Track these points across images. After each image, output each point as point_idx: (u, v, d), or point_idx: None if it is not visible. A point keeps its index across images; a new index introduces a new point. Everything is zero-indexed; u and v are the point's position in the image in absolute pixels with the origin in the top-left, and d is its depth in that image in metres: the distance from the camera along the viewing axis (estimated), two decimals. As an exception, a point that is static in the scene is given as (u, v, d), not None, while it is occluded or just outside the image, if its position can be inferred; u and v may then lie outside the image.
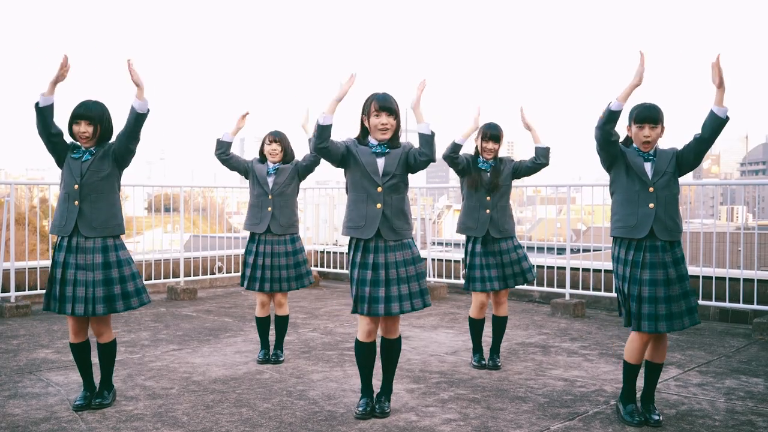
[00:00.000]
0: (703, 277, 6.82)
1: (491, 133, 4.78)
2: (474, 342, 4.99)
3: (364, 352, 3.79)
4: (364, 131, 3.77)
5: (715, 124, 3.52)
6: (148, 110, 3.79)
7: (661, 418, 3.65)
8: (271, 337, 5.39)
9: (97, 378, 4.05)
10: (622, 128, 3.66)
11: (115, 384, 4.22)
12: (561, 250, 8.16)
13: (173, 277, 8.68)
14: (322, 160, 4.81)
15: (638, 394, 3.87)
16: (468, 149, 4.85)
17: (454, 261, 8.74)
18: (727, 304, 6.67)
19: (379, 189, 3.68)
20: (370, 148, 3.72)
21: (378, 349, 3.85)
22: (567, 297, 7.40)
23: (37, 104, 3.71)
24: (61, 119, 3.82)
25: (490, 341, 5.01)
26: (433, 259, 8.79)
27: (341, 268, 9.88)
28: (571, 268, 7.57)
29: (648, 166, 3.62)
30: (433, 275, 8.70)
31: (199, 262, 9.12)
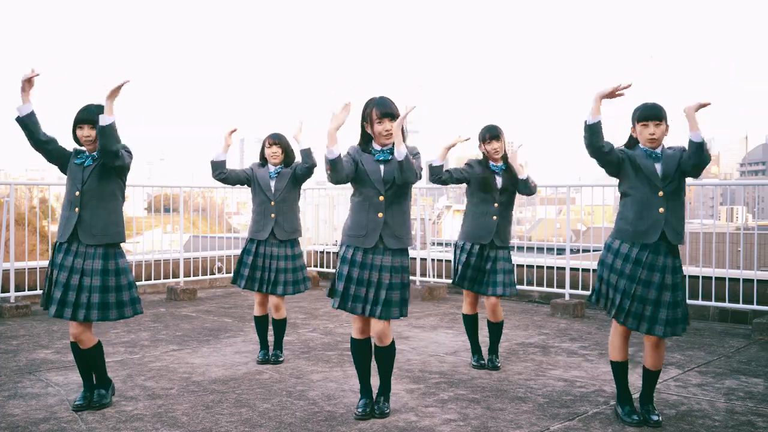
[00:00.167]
0: (703, 277, 6.83)
1: (490, 134, 4.78)
2: (471, 341, 5.00)
3: (357, 349, 3.80)
4: (367, 137, 3.74)
5: (693, 149, 3.51)
6: (110, 123, 3.61)
7: (660, 418, 3.65)
8: (271, 337, 5.39)
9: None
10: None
11: (114, 384, 4.22)
12: (561, 251, 8.16)
13: (173, 278, 8.69)
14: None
15: (636, 395, 3.88)
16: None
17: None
18: (726, 305, 6.68)
19: (382, 198, 3.67)
20: (373, 156, 3.69)
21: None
22: (567, 297, 7.40)
23: (17, 118, 3.66)
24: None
25: (488, 341, 5.01)
26: (433, 260, 8.80)
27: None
28: (571, 269, 7.58)
29: (658, 168, 3.60)
30: (433, 275, 8.71)
31: (199, 262, 9.12)
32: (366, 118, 3.70)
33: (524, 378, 4.63)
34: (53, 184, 8.46)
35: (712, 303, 6.75)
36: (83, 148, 3.86)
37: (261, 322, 5.14)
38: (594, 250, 9.09)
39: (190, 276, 8.83)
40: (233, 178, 5.09)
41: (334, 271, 3.90)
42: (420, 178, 3.66)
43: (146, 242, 10.49)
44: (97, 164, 3.78)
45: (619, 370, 3.76)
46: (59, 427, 3.58)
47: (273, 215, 4.96)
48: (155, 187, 10.95)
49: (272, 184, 4.99)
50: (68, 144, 3.91)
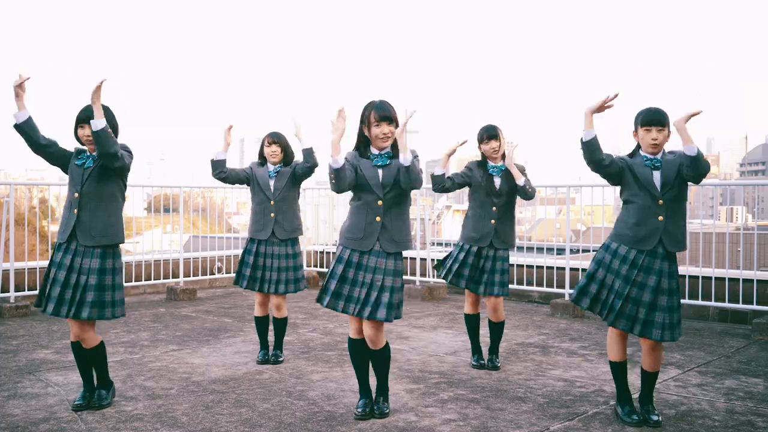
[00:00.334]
0: (703, 277, 6.83)
1: (488, 134, 4.78)
2: (472, 341, 5.00)
3: (354, 349, 3.82)
4: (365, 141, 3.74)
5: (688, 162, 3.52)
6: (102, 127, 3.58)
7: (660, 418, 3.65)
8: (271, 337, 5.39)
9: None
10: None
11: (114, 384, 4.22)
12: (561, 251, 8.16)
13: (173, 278, 8.68)
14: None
15: (636, 395, 3.88)
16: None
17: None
18: (726, 305, 6.68)
19: (380, 202, 3.67)
20: (371, 160, 3.68)
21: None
22: (567, 297, 7.40)
23: (15, 125, 3.66)
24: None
25: (488, 341, 5.01)
26: (433, 260, 8.80)
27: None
28: (571, 269, 7.57)
29: (656, 176, 3.60)
30: (433, 275, 8.70)
31: (199, 262, 9.12)
32: (364, 121, 3.70)
33: (524, 378, 4.63)
34: (53, 184, 8.46)
35: (712, 303, 6.75)
36: (85, 148, 3.86)
37: (261, 323, 5.14)
38: (594, 250, 9.08)
39: (189, 276, 8.83)
40: (233, 177, 5.09)
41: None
42: (417, 188, 3.66)
43: (146, 242, 10.50)
44: (97, 165, 3.77)
45: (618, 370, 3.76)
46: (59, 427, 3.58)
47: (273, 214, 4.96)
48: (155, 187, 10.94)
49: (271, 183, 4.99)
50: (69, 144, 3.91)
